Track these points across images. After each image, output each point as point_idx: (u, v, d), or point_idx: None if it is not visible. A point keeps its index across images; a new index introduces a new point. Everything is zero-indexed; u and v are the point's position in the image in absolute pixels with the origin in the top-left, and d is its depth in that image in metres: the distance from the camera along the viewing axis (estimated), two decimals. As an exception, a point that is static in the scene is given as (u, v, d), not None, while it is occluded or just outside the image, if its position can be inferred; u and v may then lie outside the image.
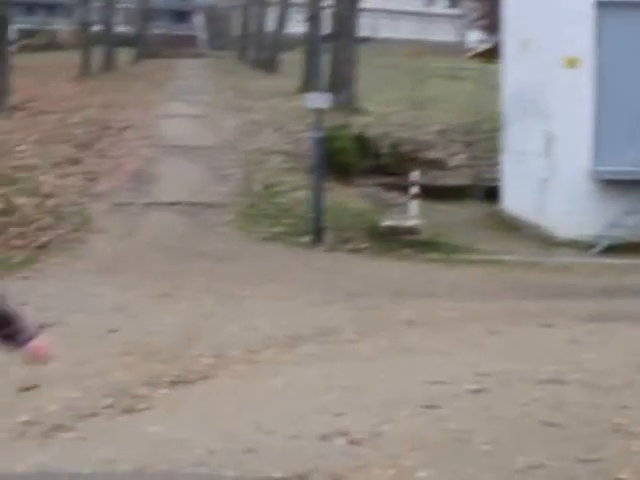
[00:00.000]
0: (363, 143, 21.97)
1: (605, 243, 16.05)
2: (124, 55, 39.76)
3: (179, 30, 57.81)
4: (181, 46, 51.84)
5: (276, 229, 16.80)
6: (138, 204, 17.74)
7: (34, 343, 3.65)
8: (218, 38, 60.35)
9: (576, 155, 16.56)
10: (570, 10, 16.64)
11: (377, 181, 21.25)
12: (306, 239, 16.22)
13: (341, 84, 26.05)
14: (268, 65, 39.69)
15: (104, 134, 22.57)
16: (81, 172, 19.44)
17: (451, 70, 32.47)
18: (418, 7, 64.37)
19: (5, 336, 3.62)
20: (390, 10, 60.69)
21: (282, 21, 39.96)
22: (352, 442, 5.55)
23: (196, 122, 24.85)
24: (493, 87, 22.33)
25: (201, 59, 49.35)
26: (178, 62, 43.14)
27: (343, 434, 5.66)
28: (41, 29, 50.40)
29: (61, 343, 8.72)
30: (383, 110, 25.50)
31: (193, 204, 17.83)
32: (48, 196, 17.54)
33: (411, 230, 16.54)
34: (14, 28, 37.00)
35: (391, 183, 20.80)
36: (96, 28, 40.12)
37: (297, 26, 37.76)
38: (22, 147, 20.68)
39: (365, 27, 41.04)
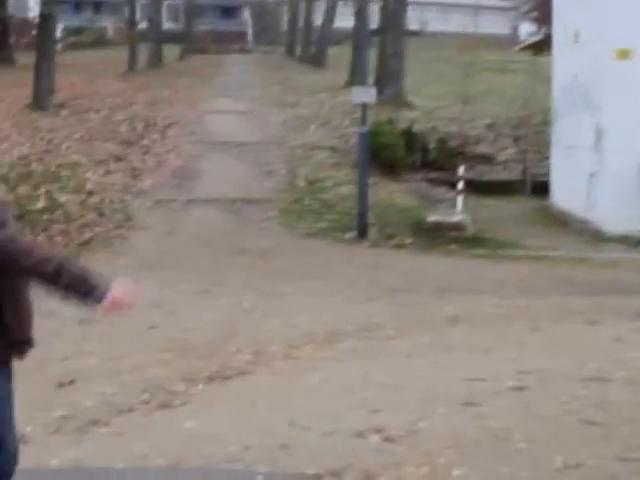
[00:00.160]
0: (410, 138, 21.84)
1: (655, 239, 15.77)
2: (171, 52, 39.92)
3: (226, 26, 57.83)
4: (228, 42, 51.89)
5: (320, 225, 16.74)
6: (181, 200, 17.80)
7: (110, 295, 3.80)
8: (266, 33, 60.47)
9: (626, 149, 16.29)
10: (622, 1, 16.39)
11: (424, 176, 21.12)
12: (350, 235, 16.13)
13: (389, 78, 25.97)
14: (316, 60, 39.69)
15: (149, 131, 22.69)
16: (125, 169, 19.57)
17: (501, 63, 32.12)
18: (468, -1, 63.80)
19: (83, 293, 3.78)
20: (440, 3, 60.14)
21: (330, 15, 39.83)
22: (387, 439, 5.46)
23: (242, 118, 24.89)
24: (543, 80, 22.04)
25: (248, 55, 49.47)
26: (225, 58, 43.22)
27: (378, 431, 5.58)
28: (88, 27, 50.82)
29: (100, 339, 8.80)
30: (431, 104, 25.37)
31: (236, 200, 17.83)
32: (91, 193, 17.68)
33: (457, 226, 16.36)
34: (61, 26, 37.43)
35: (438, 178, 20.67)
36: (143, 25, 40.39)
37: (345, 20, 37.67)
38: (67, 144, 20.85)
39: (414, 21, 40.91)
